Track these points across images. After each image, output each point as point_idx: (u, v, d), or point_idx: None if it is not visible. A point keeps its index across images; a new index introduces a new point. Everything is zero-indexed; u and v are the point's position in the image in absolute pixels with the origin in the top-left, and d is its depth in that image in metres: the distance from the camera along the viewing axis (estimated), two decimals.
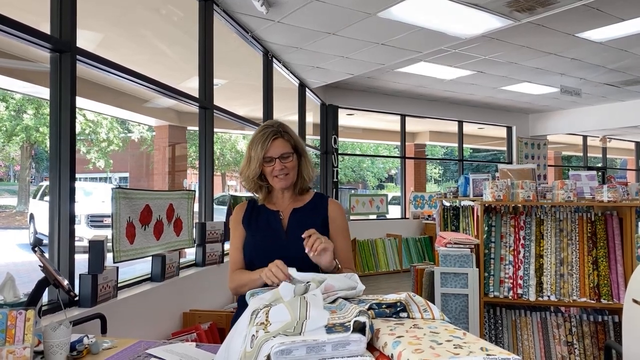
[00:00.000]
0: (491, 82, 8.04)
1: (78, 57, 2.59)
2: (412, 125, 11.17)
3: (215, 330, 3.24)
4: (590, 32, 5.54)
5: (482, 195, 3.98)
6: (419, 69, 7.16)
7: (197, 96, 4.07)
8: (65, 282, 1.71)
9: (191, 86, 4.24)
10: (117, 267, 2.61)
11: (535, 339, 3.68)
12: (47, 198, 2.44)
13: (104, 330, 2.18)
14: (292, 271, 1.56)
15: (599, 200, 3.57)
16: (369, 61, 6.17)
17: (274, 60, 5.85)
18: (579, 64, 6.93)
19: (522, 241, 3.70)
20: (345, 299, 1.36)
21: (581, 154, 12.81)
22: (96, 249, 2.40)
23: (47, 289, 1.77)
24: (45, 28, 2.52)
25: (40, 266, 1.68)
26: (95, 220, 9.25)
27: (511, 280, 3.66)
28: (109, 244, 2.55)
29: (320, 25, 4.86)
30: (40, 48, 2.47)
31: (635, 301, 1.58)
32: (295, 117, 7.15)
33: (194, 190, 3.71)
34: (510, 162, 10.81)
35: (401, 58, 6.07)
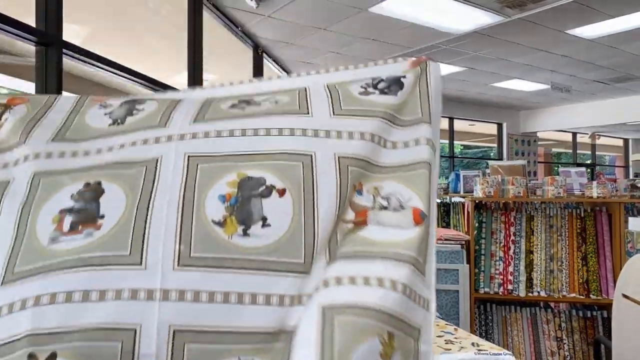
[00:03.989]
0: (482, 78, 8.06)
1: (64, 50, 2.55)
2: None
3: None
4: (580, 29, 5.57)
5: (472, 192, 3.98)
6: None
7: None
8: None
9: (181, 81, 4.20)
10: None
11: (525, 334, 3.70)
12: None
13: None
14: None
15: (589, 196, 3.58)
16: (360, 57, 6.15)
17: (265, 55, 5.81)
18: (568, 60, 6.96)
19: (512, 237, 3.71)
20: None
21: (571, 151, 12.91)
22: None
23: None
24: (31, 21, 2.47)
25: None
26: None
27: (501, 276, 3.67)
28: None
29: (310, 20, 4.83)
30: (26, 41, 2.43)
31: (625, 296, 1.58)
32: None
33: None
34: (501, 159, 10.86)
35: (392, 54, 6.05)
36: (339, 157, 0.94)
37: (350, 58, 6.19)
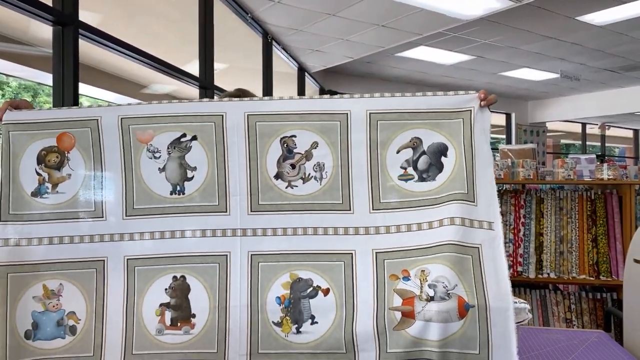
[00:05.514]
0: (491, 67, 8.03)
1: (80, 31, 2.58)
2: None
3: None
4: (590, 15, 5.52)
5: None
6: (419, 53, 7.14)
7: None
8: None
9: (192, 70, 4.22)
10: None
11: (534, 316, 3.72)
12: None
13: None
14: None
15: (599, 178, 3.59)
16: (368, 44, 6.15)
17: (274, 43, 5.83)
18: (578, 48, 6.91)
19: (522, 220, 3.72)
20: None
21: (580, 142, 12.82)
22: None
23: None
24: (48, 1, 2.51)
25: None
26: None
27: (511, 258, 3.68)
28: None
29: (320, 6, 4.83)
30: (42, 20, 2.46)
31: (636, 261, 1.60)
32: None
33: None
34: None
35: (401, 41, 6.04)
36: (376, 253, 1.13)
37: (359, 45, 6.19)
